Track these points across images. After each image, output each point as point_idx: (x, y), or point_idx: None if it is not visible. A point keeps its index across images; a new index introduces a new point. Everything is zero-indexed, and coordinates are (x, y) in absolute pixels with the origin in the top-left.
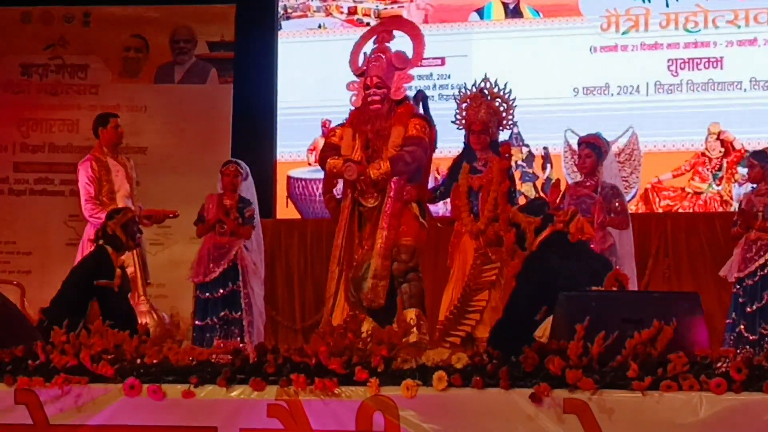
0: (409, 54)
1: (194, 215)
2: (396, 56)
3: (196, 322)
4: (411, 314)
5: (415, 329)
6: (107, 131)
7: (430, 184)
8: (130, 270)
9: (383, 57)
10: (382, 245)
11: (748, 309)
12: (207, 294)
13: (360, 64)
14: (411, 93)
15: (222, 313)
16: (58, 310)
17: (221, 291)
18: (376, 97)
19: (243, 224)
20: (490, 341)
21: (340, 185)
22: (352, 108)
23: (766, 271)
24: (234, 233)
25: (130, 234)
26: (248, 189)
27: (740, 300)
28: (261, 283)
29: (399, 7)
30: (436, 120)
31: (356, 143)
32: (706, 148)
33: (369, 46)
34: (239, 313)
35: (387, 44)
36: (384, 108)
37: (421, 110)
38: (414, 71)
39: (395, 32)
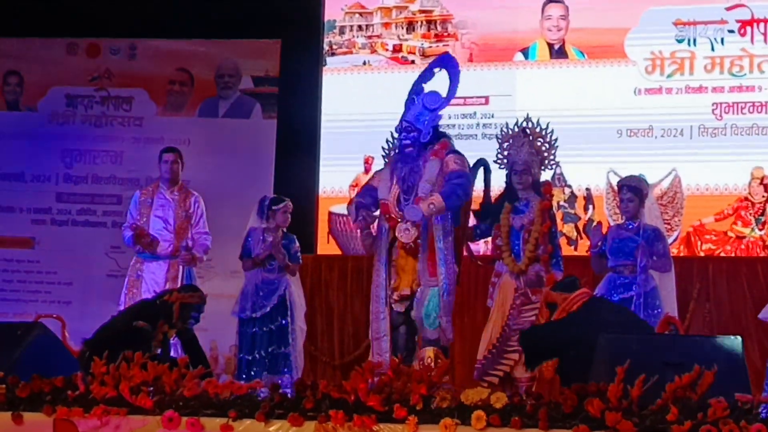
0: (443, 92)
1: (236, 249)
2: (427, 97)
3: (245, 357)
4: (430, 353)
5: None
6: (160, 166)
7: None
8: None
9: (416, 100)
10: (448, 281)
11: None
12: (255, 329)
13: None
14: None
15: (270, 348)
16: (101, 342)
17: (271, 326)
18: (407, 141)
19: (291, 261)
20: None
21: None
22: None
23: None
24: (282, 269)
25: (183, 316)
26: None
27: None
28: (304, 320)
29: (444, 45)
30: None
31: (394, 183)
32: (750, 193)
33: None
34: (287, 348)
35: (423, 85)
36: (415, 150)
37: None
38: (457, 110)
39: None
